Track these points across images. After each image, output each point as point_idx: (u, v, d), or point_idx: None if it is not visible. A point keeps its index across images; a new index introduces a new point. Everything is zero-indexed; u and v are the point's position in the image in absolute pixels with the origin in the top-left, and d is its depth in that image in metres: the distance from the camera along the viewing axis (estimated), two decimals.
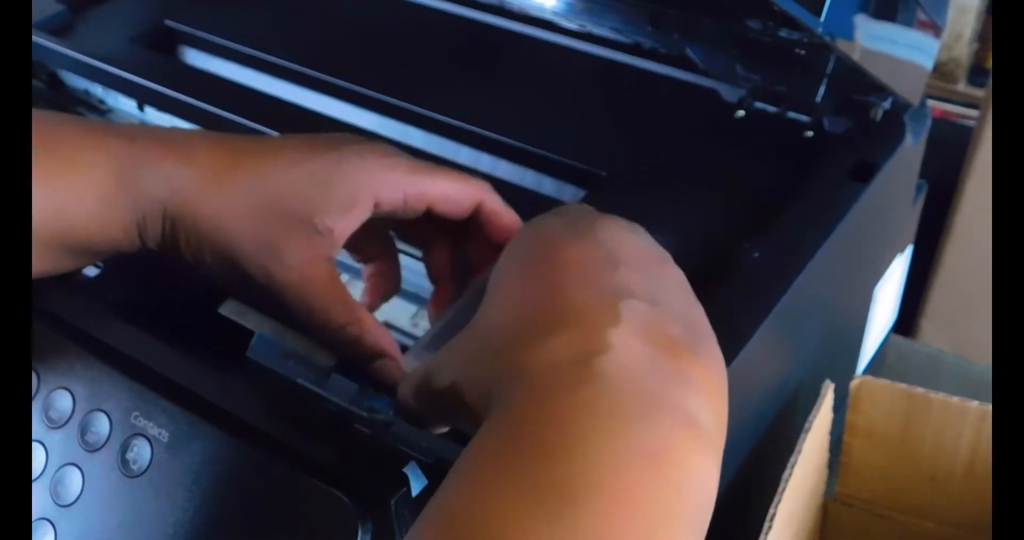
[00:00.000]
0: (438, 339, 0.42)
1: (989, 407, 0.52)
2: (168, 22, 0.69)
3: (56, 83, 0.66)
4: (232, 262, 0.42)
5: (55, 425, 0.41)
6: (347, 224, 0.43)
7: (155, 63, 0.65)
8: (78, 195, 0.42)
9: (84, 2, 0.70)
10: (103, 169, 0.43)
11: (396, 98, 0.61)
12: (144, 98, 0.61)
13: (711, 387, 0.33)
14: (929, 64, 0.55)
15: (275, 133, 0.55)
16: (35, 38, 0.64)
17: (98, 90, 0.65)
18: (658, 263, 0.37)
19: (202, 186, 0.42)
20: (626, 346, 0.32)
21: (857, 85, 0.55)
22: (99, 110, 0.65)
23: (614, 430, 0.30)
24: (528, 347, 0.32)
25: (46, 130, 0.43)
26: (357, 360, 0.43)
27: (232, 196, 0.42)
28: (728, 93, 0.59)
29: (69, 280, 0.48)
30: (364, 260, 0.49)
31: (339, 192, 0.43)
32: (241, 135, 0.45)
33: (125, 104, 0.63)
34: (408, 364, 0.41)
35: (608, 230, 0.37)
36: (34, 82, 0.66)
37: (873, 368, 0.71)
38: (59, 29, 0.67)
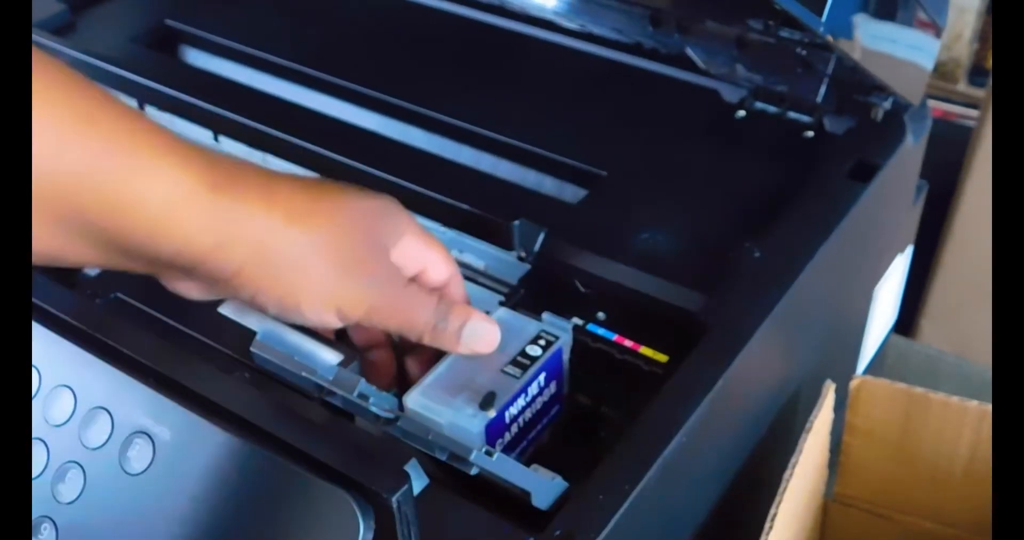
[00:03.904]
0: (441, 380, 0.42)
1: (989, 407, 0.52)
2: (169, 21, 0.69)
3: None
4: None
5: (56, 423, 0.41)
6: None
7: (156, 62, 0.65)
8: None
9: (85, 2, 0.70)
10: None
11: (397, 98, 0.61)
12: (145, 97, 0.61)
13: None
14: (929, 64, 0.55)
15: (275, 132, 0.55)
16: (36, 38, 0.64)
17: None
18: None
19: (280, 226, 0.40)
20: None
21: (858, 85, 0.55)
22: None
23: None
24: None
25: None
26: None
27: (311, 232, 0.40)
28: (729, 93, 0.60)
29: (70, 278, 0.48)
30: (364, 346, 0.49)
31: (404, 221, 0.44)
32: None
33: (126, 104, 0.63)
34: (412, 402, 0.41)
35: None
36: None
37: (873, 368, 0.71)
38: (60, 29, 0.68)
